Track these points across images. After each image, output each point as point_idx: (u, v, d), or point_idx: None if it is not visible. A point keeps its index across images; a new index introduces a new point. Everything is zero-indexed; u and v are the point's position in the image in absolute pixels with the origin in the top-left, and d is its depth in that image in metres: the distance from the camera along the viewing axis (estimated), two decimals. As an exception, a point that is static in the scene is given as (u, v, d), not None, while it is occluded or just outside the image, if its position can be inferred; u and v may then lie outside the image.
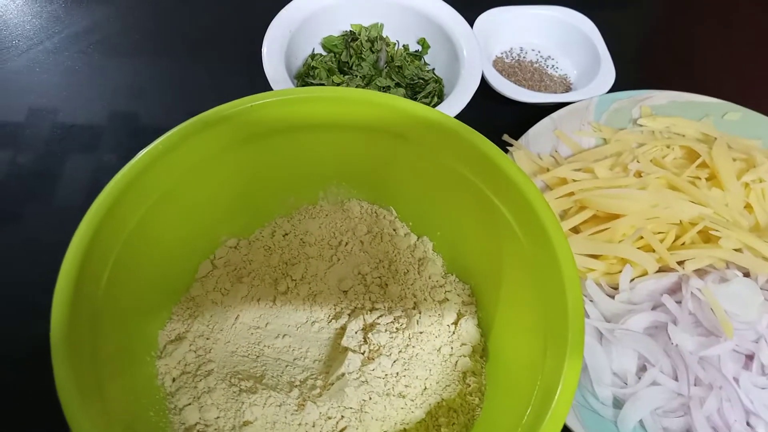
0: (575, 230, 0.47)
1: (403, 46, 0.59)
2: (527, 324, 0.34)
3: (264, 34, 0.52)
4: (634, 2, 0.74)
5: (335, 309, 0.40)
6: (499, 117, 0.57)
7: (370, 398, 0.35)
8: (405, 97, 0.54)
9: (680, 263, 0.44)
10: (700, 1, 0.74)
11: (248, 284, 0.40)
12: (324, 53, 0.58)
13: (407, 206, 0.43)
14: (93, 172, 0.51)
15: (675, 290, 0.43)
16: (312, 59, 0.56)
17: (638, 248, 0.44)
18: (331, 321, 0.39)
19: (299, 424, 0.34)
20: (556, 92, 0.60)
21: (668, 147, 0.52)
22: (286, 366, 0.37)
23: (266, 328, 0.39)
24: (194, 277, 0.40)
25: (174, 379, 0.35)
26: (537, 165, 0.51)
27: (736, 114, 0.56)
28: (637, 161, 0.49)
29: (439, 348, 0.38)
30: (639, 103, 0.56)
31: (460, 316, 0.39)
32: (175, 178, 0.35)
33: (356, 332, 0.38)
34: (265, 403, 0.34)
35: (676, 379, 0.40)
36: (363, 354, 0.37)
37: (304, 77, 0.55)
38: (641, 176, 0.48)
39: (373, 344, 0.37)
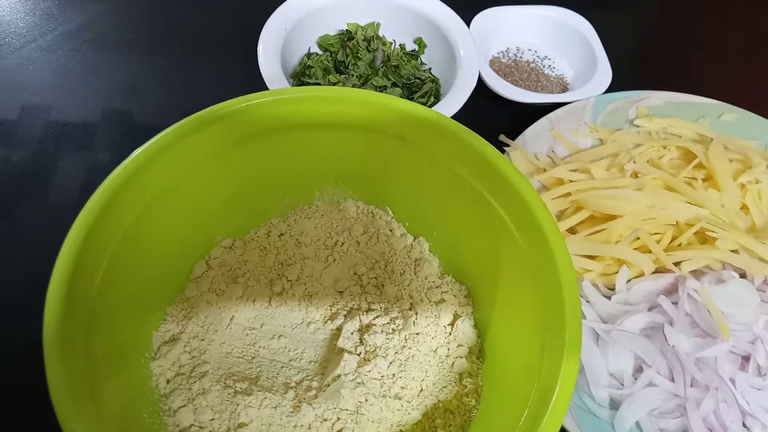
0: (572, 231, 0.47)
1: (400, 45, 0.59)
2: (524, 325, 0.34)
3: (259, 32, 0.52)
4: (631, 2, 0.74)
5: (331, 310, 0.40)
6: (495, 117, 0.57)
7: (366, 400, 0.35)
8: (401, 97, 0.54)
9: (677, 264, 0.44)
10: (697, 1, 0.74)
11: (243, 285, 0.40)
12: (320, 52, 0.58)
13: (403, 206, 0.43)
14: (87, 170, 0.51)
15: (671, 291, 0.43)
16: (308, 58, 0.56)
17: (635, 249, 0.44)
18: (327, 322, 0.39)
19: (295, 426, 0.34)
20: (552, 92, 0.60)
21: (665, 148, 0.52)
22: (282, 367, 0.37)
23: (261, 329, 0.38)
24: (189, 278, 0.40)
25: (168, 381, 0.35)
26: (534, 165, 0.51)
27: (732, 115, 0.56)
28: (634, 162, 0.49)
29: (436, 349, 0.38)
30: (636, 104, 0.56)
31: (456, 317, 0.39)
32: (170, 177, 0.34)
33: (352, 333, 0.37)
34: (260, 405, 0.34)
35: (672, 380, 0.40)
36: (359, 355, 0.36)
37: (300, 76, 0.55)
38: (638, 177, 0.48)
39: (369, 345, 0.37)
